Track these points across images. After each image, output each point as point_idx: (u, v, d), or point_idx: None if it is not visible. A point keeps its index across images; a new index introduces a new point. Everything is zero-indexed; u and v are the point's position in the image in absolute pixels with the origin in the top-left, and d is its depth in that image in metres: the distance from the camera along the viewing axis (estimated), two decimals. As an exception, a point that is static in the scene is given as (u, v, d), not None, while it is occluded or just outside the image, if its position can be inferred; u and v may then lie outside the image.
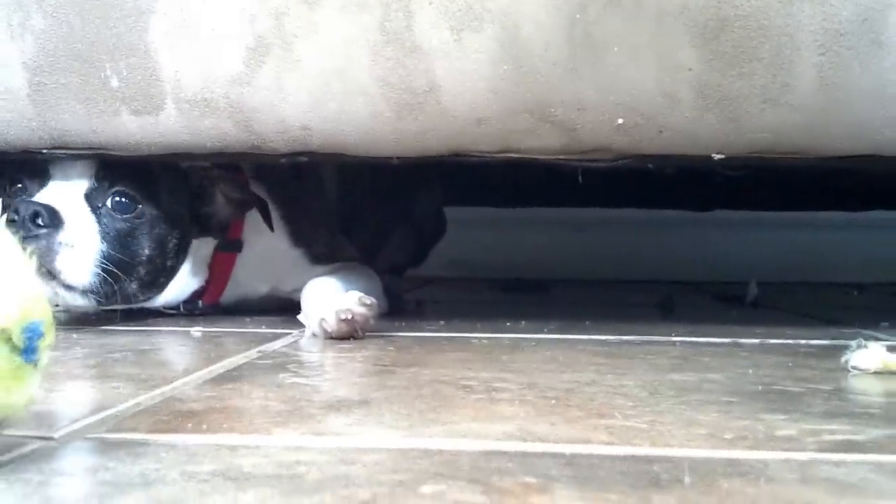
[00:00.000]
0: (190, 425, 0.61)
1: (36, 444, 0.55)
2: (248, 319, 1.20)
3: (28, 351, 0.47)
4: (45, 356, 0.48)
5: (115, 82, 0.96)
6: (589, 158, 0.97)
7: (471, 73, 0.93)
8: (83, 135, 0.99)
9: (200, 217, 1.18)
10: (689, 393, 0.72)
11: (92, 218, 1.08)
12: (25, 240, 1.00)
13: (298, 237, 1.26)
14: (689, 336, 1.09)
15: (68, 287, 1.05)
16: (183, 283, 1.19)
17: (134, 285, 1.12)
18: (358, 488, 0.46)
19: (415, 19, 0.92)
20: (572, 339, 1.05)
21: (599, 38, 0.91)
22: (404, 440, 0.57)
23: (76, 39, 0.96)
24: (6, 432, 0.52)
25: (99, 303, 1.09)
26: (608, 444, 0.56)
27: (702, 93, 0.92)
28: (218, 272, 1.22)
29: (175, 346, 1.00)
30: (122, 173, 1.09)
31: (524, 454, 0.53)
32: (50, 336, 0.49)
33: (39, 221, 1.02)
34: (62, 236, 1.04)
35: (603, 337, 1.07)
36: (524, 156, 0.96)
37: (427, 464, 0.51)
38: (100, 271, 1.06)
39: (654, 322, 1.28)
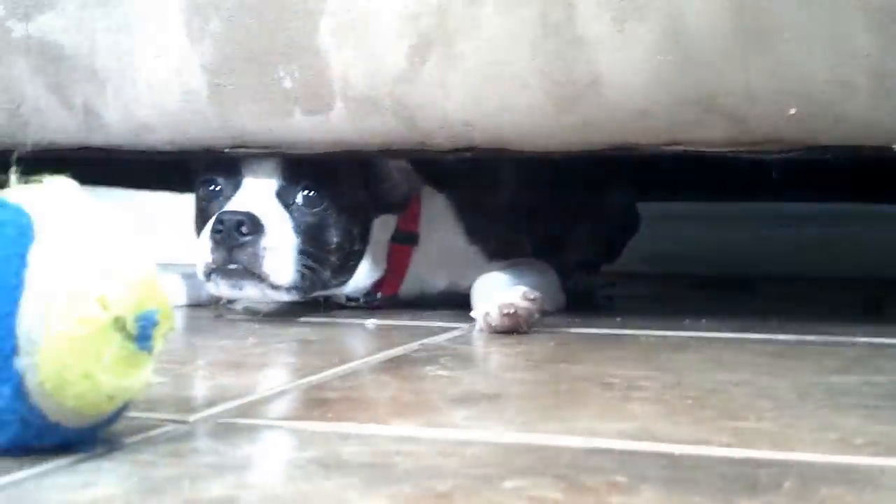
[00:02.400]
0: (317, 413, 0.63)
1: (168, 427, 0.58)
2: (425, 313, 1.22)
3: (141, 339, 0.49)
4: (159, 343, 0.51)
5: (288, 83, 1.00)
6: (759, 150, 0.93)
7: (634, 65, 0.91)
8: (260, 134, 1.04)
9: (378, 195, 1.22)
10: (841, 396, 0.68)
11: (286, 217, 1.12)
12: (233, 249, 1.07)
13: (474, 234, 1.27)
14: (878, 337, 1.02)
15: (275, 287, 1.10)
16: (365, 273, 1.23)
17: (328, 273, 1.16)
18: (441, 480, 0.46)
19: (576, 11, 0.91)
20: (745, 339, 1.01)
21: (768, 24, 0.87)
22: (513, 435, 0.57)
23: (252, 42, 1.00)
24: (136, 414, 0.56)
25: (302, 295, 1.14)
26: (725, 446, 0.54)
27: (880, 80, 0.86)
28: (395, 264, 1.25)
29: (344, 338, 1.04)
30: (307, 167, 1.13)
31: (629, 453, 0.52)
32: (166, 323, 0.51)
33: (243, 230, 1.08)
34: (265, 241, 1.09)
35: (780, 336, 1.02)
36: (690, 148, 0.93)
37: (523, 459, 0.51)
38: (299, 267, 1.11)
39: (849, 322, 1.21)
